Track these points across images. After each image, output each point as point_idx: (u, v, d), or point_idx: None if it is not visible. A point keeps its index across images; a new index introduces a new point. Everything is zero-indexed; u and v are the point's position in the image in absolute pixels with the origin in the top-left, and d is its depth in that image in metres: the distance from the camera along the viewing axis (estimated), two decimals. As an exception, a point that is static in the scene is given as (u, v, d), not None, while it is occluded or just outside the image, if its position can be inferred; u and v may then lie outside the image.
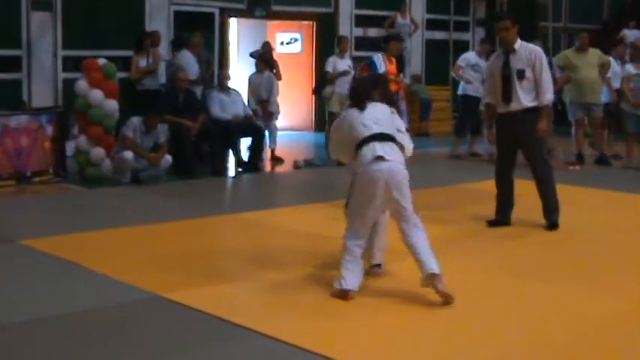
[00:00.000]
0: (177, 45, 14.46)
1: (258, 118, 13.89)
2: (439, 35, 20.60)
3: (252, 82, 14.15)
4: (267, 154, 14.04)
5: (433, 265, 6.34)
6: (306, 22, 18.67)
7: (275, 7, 17.56)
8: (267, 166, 13.78)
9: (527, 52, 8.98)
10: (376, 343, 5.56)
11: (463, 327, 5.89)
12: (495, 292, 6.74)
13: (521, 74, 8.87)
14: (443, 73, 19.98)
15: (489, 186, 11.39)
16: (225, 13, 16.98)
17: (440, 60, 20.21)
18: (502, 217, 9.24)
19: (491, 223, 9.22)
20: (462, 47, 19.71)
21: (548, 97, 8.94)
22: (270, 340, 5.50)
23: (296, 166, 13.59)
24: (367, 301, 6.43)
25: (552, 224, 9.01)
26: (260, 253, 7.91)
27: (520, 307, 6.38)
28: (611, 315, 6.26)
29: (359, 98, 6.89)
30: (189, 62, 13.85)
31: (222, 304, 6.24)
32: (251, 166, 13.08)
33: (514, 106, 8.91)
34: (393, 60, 14.62)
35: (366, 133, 6.60)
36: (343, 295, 6.42)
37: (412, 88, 18.53)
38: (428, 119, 19.02)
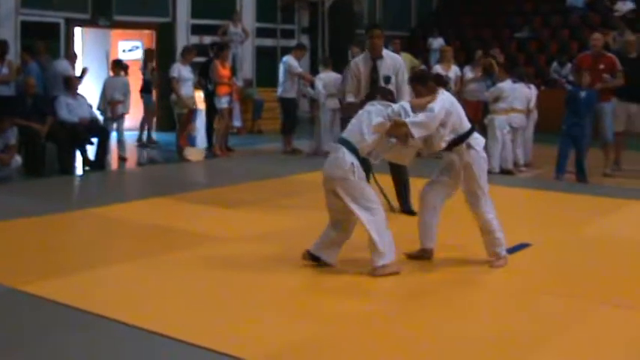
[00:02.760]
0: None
1: (107, 118, 13.67)
2: (268, 42, 20.69)
3: (107, 85, 13.90)
4: (113, 153, 13.81)
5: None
6: (146, 31, 18.44)
7: (117, 17, 17.36)
8: (113, 164, 13.53)
9: (392, 60, 9.08)
10: (229, 327, 5.50)
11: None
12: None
13: (387, 79, 8.96)
14: (272, 76, 20.05)
15: (319, 177, 11.58)
16: (71, 23, 16.61)
17: (269, 64, 20.31)
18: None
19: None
20: (289, 52, 19.82)
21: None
22: (123, 326, 5.41)
23: (139, 163, 13.41)
24: (225, 287, 6.42)
25: (411, 211, 8.93)
26: (109, 245, 7.78)
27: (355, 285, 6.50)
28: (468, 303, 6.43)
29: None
30: (69, 69, 13.88)
31: (75, 294, 6.10)
32: (97, 164, 12.81)
33: None
34: (227, 65, 14.62)
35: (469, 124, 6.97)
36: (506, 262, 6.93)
37: (245, 90, 18.59)
38: (260, 118, 19.13)
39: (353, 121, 6.78)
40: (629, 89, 12.32)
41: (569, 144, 11.86)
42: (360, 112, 6.81)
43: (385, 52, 9.14)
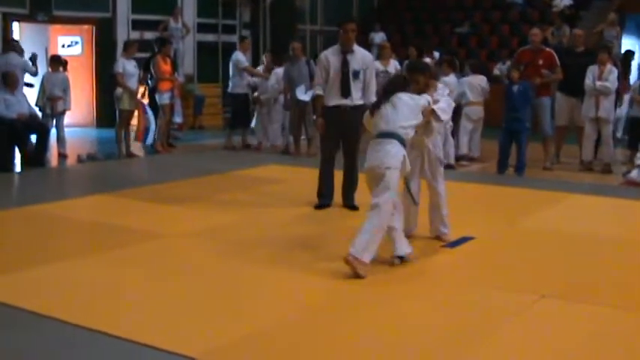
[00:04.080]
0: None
1: (46, 115, 13.49)
2: (209, 37, 20.57)
3: (45, 81, 13.70)
4: (53, 150, 13.61)
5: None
6: (86, 26, 18.24)
7: (56, 12, 17.16)
8: (53, 161, 13.34)
9: (362, 55, 9.07)
10: (171, 324, 5.45)
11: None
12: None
13: (356, 74, 8.95)
14: (213, 71, 20.00)
15: (261, 172, 11.60)
16: (8, 18, 16.34)
17: (210, 60, 20.23)
18: (327, 201, 9.26)
19: (318, 207, 9.22)
20: (230, 48, 19.86)
21: (373, 98, 8.99)
22: (64, 325, 5.32)
23: (80, 160, 13.25)
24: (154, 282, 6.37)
25: (355, 206, 9.09)
26: (49, 243, 7.65)
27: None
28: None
29: None
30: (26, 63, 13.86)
31: (15, 293, 6.00)
32: (37, 161, 12.59)
33: (347, 102, 8.98)
34: (168, 60, 14.51)
35: None
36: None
37: (186, 86, 18.47)
38: (201, 114, 19.05)
39: (388, 112, 6.80)
40: (572, 83, 12.47)
41: (508, 139, 11.99)
42: (396, 102, 6.83)
43: (356, 46, 9.11)
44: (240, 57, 14.83)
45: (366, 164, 6.79)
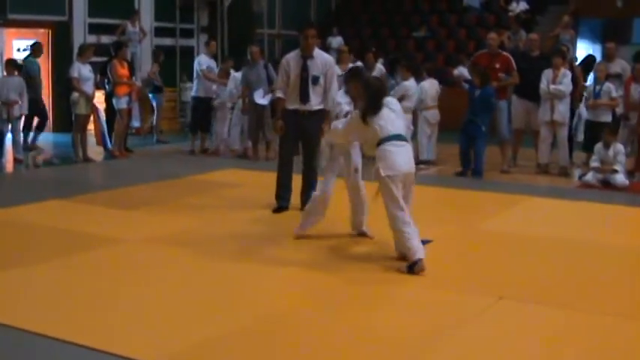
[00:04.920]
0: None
1: (2, 119, 13.33)
2: (167, 41, 20.45)
3: (0, 85, 13.50)
4: (9, 155, 13.47)
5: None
6: (41, 30, 18.03)
7: (11, 15, 16.92)
8: (8, 166, 13.20)
9: (322, 60, 9.10)
10: (131, 330, 5.44)
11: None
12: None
13: (315, 80, 8.99)
14: (171, 76, 19.87)
15: (219, 176, 11.56)
16: (-39, 22, 16.16)
17: (168, 64, 20.07)
18: (285, 203, 9.29)
19: (276, 210, 9.26)
20: (188, 52, 19.84)
21: (332, 103, 9.03)
22: (19, 332, 5.28)
23: (36, 165, 13.12)
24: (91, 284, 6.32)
25: None
26: (5, 249, 7.56)
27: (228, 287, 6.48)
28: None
29: None
30: None
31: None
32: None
33: (306, 107, 9.01)
34: (125, 64, 14.42)
35: None
36: None
37: (143, 90, 18.32)
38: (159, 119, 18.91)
39: (391, 116, 7.01)
40: (528, 87, 12.60)
41: (465, 141, 12.11)
42: (392, 107, 7.12)
43: (317, 51, 9.14)
44: (201, 60, 14.80)
45: (393, 170, 6.83)
